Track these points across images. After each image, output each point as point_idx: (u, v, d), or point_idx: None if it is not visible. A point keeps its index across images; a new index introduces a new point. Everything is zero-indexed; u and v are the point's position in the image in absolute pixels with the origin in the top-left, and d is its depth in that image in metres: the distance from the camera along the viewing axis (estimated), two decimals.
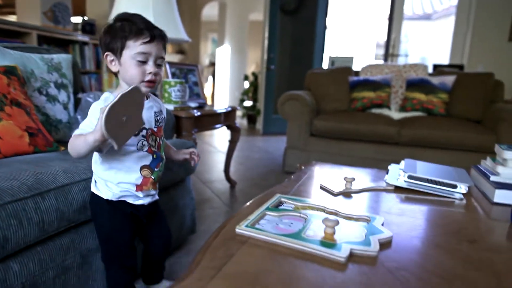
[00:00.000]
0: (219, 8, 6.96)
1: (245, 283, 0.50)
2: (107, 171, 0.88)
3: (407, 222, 0.76)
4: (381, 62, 4.25)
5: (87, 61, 3.62)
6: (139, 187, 0.91)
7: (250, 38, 6.70)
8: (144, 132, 0.91)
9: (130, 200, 0.91)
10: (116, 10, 1.81)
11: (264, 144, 4.18)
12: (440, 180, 0.99)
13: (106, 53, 0.87)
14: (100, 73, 3.86)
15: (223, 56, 7.07)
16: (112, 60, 0.88)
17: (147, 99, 0.94)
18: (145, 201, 0.94)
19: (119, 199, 0.91)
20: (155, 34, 0.86)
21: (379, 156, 2.47)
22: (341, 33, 5.68)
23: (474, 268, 0.58)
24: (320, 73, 3.08)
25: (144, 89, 0.87)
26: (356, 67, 3.26)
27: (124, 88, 0.88)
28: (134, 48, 0.85)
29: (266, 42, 4.65)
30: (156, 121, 0.95)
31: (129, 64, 0.86)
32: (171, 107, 1.72)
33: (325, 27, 4.65)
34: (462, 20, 3.97)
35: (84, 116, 1.44)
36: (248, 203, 0.85)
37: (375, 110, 2.74)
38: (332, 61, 3.86)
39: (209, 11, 7.52)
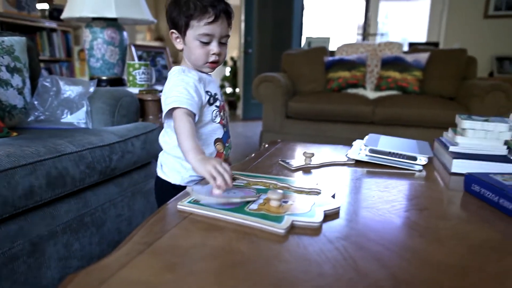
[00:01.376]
0: None
1: (173, 257, 0.47)
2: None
3: (361, 194, 0.75)
4: (359, 41, 4.23)
5: (57, 48, 3.49)
6: None
7: None
8: (218, 102, 0.88)
9: None
10: None
11: (244, 129, 4.15)
12: (400, 152, 0.98)
13: (171, 31, 0.84)
14: (71, 61, 3.73)
15: None
16: (177, 38, 0.84)
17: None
18: None
19: (187, 184, 0.85)
20: (219, 12, 0.79)
21: (355, 136, 2.44)
22: (320, 14, 5.62)
23: (419, 235, 0.56)
24: (295, 54, 3.04)
25: (207, 69, 0.86)
26: (332, 47, 3.23)
27: (188, 65, 0.86)
28: (197, 28, 0.80)
29: (242, 25, 4.57)
30: (221, 95, 0.93)
31: (193, 45, 0.82)
32: (135, 90, 1.66)
33: (302, 8, 4.58)
34: None
35: (42, 101, 1.38)
36: (200, 181, 0.82)
37: (351, 90, 2.72)
38: (309, 42, 3.82)
39: None
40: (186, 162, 0.83)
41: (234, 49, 8.24)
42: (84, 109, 1.34)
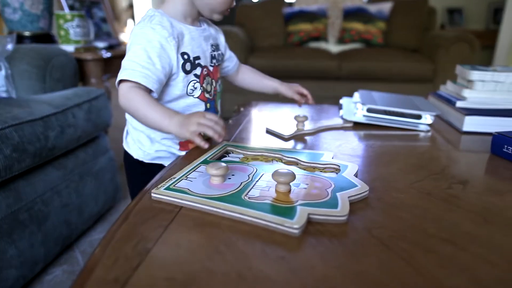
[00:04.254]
0: None
1: None
2: None
3: (378, 167, 0.60)
4: None
5: None
6: (183, 145, 0.70)
7: None
8: (198, 69, 0.66)
9: (167, 163, 0.68)
10: None
11: None
12: (403, 111, 0.85)
13: None
14: None
15: None
16: None
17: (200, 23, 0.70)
18: None
19: (153, 161, 0.71)
20: None
21: (321, 93, 2.33)
22: None
23: (483, 221, 0.43)
24: (251, 5, 2.78)
25: (219, 17, 0.67)
26: None
27: (177, 5, 0.65)
28: None
29: None
30: (212, 57, 0.69)
31: None
32: (71, 48, 1.35)
33: None
34: None
35: None
36: (180, 156, 0.63)
37: (313, 44, 2.55)
38: None
39: None
40: (153, 134, 0.67)
41: None
42: (3, 73, 1.04)
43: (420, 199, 0.48)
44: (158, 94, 0.62)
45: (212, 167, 0.47)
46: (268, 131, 0.78)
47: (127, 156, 0.74)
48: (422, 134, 0.81)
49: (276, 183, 0.46)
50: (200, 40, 0.68)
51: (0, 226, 0.76)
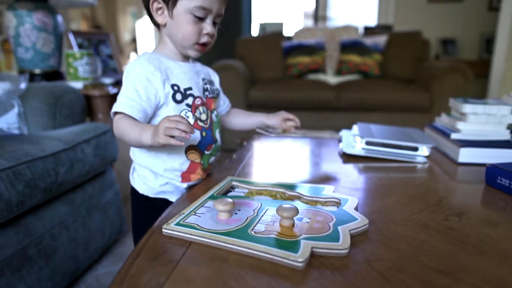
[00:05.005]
0: None
1: None
2: (147, 154, 0.71)
3: (376, 199, 0.63)
4: (307, 26, 4.16)
5: None
6: (185, 176, 0.72)
7: None
8: (190, 99, 0.70)
9: (172, 198, 0.73)
10: None
11: None
12: (400, 143, 0.88)
13: None
14: None
15: (144, 31, 6.50)
16: (160, 9, 0.69)
17: (191, 61, 0.76)
18: None
19: (158, 196, 0.73)
20: None
21: (320, 124, 2.38)
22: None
23: (478, 252, 0.45)
24: (251, 40, 2.89)
25: (194, 53, 0.72)
26: (287, 33, 3.12)
27: (168, 45, 0.72)
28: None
29: None
30: (205, 89, 0.74)
31: (184, 20, 0.67)
32: (79, 84, 1.41)
33: None
34: None
35: None
36: (187, 192, 0.66)
37: (312, 76, 2.63)
38: (263, 27, 3.67)
39: None
40: (155, 167, 0.71)
41: None
42: (15, 110, 1.09)
43: (417, 231, 0.50)
44: (144, 122, 0.66)
45: (219, 203, 0.50)
46: (259, 129, 0.81)
47: (133, 191, 0.77)
48: (419, 165, 0.84)
49: (280, 217, 0.49)
50: (191, 74, 0.73)
51: (10, 261, 0.78)
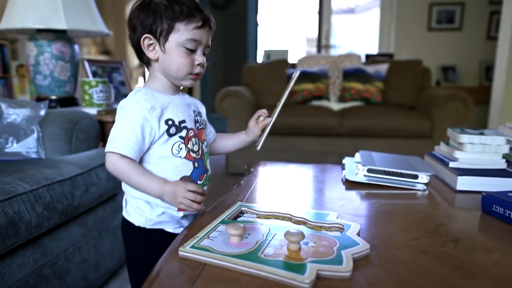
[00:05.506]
0: None
1: None
2: None
3: (377, 225, 0.67)
4: (310, 53, 4.28)
5: None
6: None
7: None
8: (184, 132, 0.72)
9: (169, 228, 0.74)
10: (13, 0, 1.51)
11: None
12: (400, 171, 0.92)
13: (145, 36, 0.69)
14: (8, 78, 3.35)
15: None
16: (151, 45, 0.70)
17: (181, 94, 0.78)
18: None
19: (154, 226, 0.73)
20: (206, 18, 0.71)
21: (323, 149, 2.43)
22: (273, 27, 5.68)
23: (472, 277, 0.49)
24: (256, 67, 2.98)
25: (188, 82, 0.74)
26: (291, 60, 3.22)
27: (159, 80, 0.73)
28: (184, 32, 0.69)
29: None
30: (196, 121, 0.76)
31: (177, 53, 0.70)
32: (93, 111, 1.48)
33: (257, 22, 4.57)
34: (386, 12, 4.14)
35: None
36: (197, 217, 0.70)
37: (315, 102, 2.71)
38: (268, 54, 3.79)
39: None
40: (151, 198, 0.71)
41: None
42: (35, 135, 1.15)
43: (416, 256, 0.54)
44: (153, 153, 0.70)
45: (231, 227, 0.54)
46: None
47: (127, 224, 0.75)
48: (419, 193, 0.88)
49: (288, 242, 0.52)
50: (184, 107, 0.75)
51: (27, 281, 0.81)
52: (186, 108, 0.75)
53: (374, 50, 4.25)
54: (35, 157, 1.13)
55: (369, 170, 0.94)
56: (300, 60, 3.00)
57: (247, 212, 0.69)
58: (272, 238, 0.56)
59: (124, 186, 0.75)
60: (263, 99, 2.81)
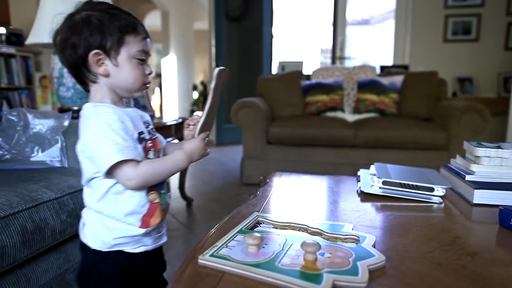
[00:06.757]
0: (161, 17, 6.71)
1: None
2: (104, 202, 0.69)
3: (395, 237, 0.67)
4: (324, 64, 4.30)
5: (15, 75, 3.25)
6: (145, 221, 0.71)
7: (196, 47, 6.53)
8: (143, 144, 0.71)
9: (128, 249, 0.72)
10: (41, 16, 1.58)
11: (219, 155, 4.03)
12: (416, 184, 0.93)
13: (95, 51, 0.67)
14: (32, 89, 3.49)
15: (169, 67, 6.82)
16: (100, 60, 0.68)
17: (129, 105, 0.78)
18: (149, 245, 0.74)
19: (111, 249, 0.70)
20: (146, 29, 0.73)
21: (338, 160, 2.43)
22: (288, 38, 5.73)
23: None
24: (272, 78, 3.02)
25: (139, 93, 0.75)
26: (306, 71, 3.25)
27: (109, 95, 0.71)
28: (135, 45, 0.70)
29: (213, 49, 4.52)
30: (149, 132, 0.76)
31: (129, 65, 0.70)
32: None
33: (272, 34, 4.63)
34: (401, 24, 4.15)
35: (6, 137, 1.21)
36: (216, 226, 0.72)
37: (330, 114, 2.72)
38: (282, 66, 3.83)
39: (152, 21, 7.24)
40: (110, 222, 0.70)
41: (200, 73, 8.18)
42: (59, 145, 1.19)
43: (431, 268, 0.54)
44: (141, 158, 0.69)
45: (249, 237, 0.56)
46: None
47: (83, 247, 0.73)
48: (435, 205, 0.88)
49: (304, 252, 0.54)
50: (138, 119, 0.74)
51: (51, 286, 0.84)
52: (139, 120, 0.74)
53: (389, 62, 4.24)
54: (58, 166, 1.18)
55: (384, 183, 0.95)
56: (315, 72, 3.02)
57: (263, 223, 0.71)
58: (289, 248, 0.58)
59: (85, 209, 0.73)
60: (278, 110, 2.84)
